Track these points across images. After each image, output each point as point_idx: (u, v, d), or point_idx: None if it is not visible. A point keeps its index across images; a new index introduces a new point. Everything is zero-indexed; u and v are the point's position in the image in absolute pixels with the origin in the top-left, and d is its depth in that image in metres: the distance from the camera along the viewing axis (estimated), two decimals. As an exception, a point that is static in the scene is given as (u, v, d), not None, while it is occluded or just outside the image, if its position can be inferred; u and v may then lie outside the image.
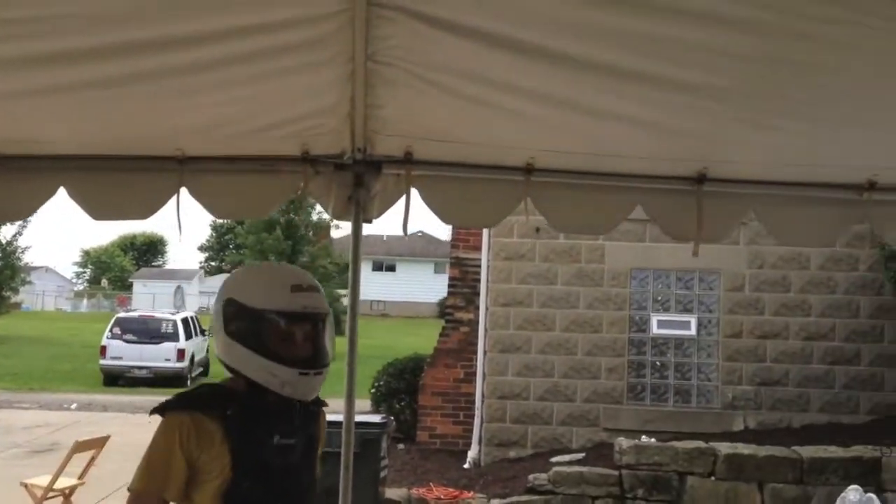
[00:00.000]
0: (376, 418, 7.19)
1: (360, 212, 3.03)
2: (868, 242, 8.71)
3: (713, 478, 7.70)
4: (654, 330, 9.20)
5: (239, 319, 2.41)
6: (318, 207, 30.87)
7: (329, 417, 2.77)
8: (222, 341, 2.45)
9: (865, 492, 6.96)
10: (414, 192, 3.02)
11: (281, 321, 2.40)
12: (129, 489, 2.41)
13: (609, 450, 8.24)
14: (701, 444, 7.93)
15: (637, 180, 3.04)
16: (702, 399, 9.21)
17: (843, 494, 7.06)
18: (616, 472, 7.80)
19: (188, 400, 2.45)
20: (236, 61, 2.41)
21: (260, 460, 2.40)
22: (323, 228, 33.64)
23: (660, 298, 9.31)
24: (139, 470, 2.41)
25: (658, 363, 9.25)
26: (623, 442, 7.98)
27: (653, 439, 8.19)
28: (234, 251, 53.58)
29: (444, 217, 3.31)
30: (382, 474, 6.93)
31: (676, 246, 8.42)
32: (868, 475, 7.43)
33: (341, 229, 40.84)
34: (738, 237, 8.83)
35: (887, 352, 9.08)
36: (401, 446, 10.01)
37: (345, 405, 3.18)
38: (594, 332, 9.22)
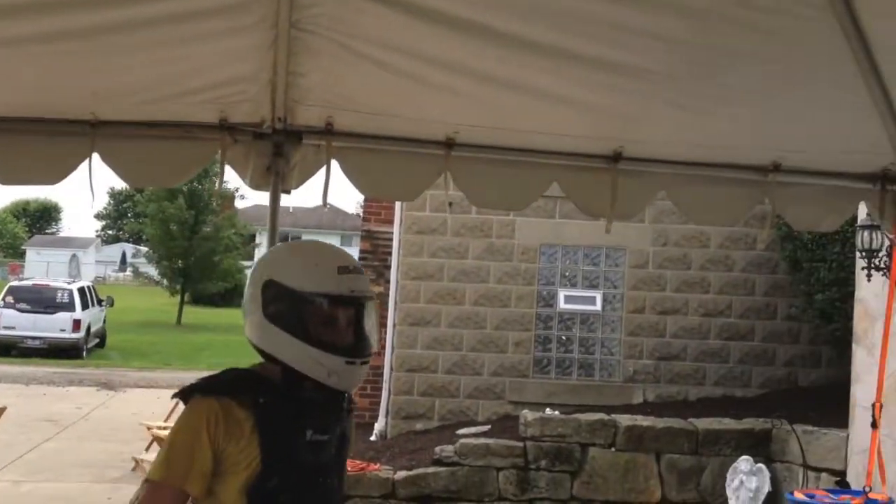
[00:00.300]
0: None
1: (279, 182, 2.99)
2: (766, 223, 9.01)
3: (613, 449, 7.94)
4: (561, 305, 9.38)
5: (280, 303, 2.22)
6: (226, 176, 30.32)
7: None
8: (258, 325, 2.26)
9: (756, 462, 7.30)
10: (334, 163, 2.99)
11: (328, 305, 2.23)
12: (146, 479, 2.22)
13: (514, 422, 8.39)
14: (603, 416, 8.16)
15: (555, 157, 3.08)
16: (604, 373, 9.45)
17: (734, 464, 7.39)
18: (521, 444, 7.95)
19: (217, 384, 2.25)
20: (156, 23, 2.35)
21: (291, 456, 2.21)
22: (227, 198, 33.01)
23: (567, 274, 9.49)
24: (159, 458, 2.20)
25: (564, 337, 9.45)
26: (528, 414, 8.14)
27: (556, 412, 8.37)
28: (132, 220, 52.12)
29: (364, 189, 3.31)
30: (290, 446, 6.90)
31: (585, 222, 8.60)
32: (758, 446, 7.78)
33: (246, 199, 40.16)
34: (644, 215, 9.05)
35: (779, 329, 9.48)
36: (307, 419, 9.98)
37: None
38: (503, 306, 9.34)
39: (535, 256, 9.37)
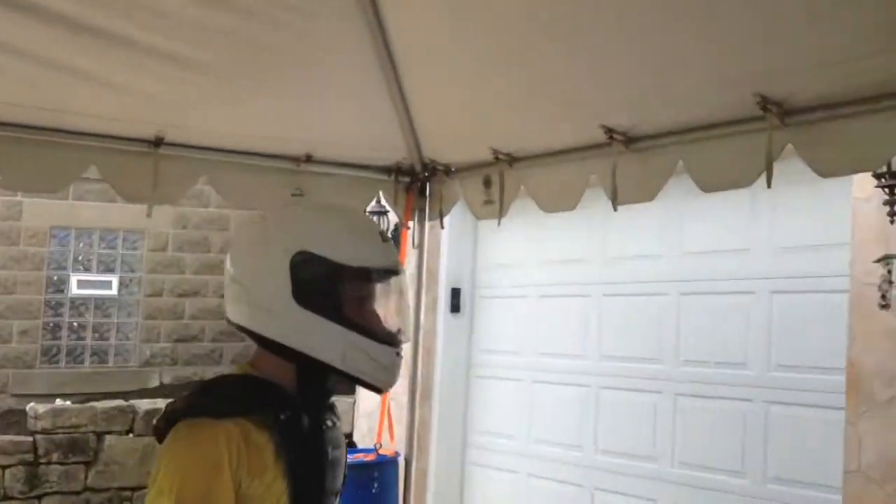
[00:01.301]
0: None
1: None
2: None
3: (132, 434, 7.78)
4: (74, 290, 8.87)
5: (322, 282, 1.65)
6: None
7: None
8: (280, 312, 1.66)
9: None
10: None
11: (380, 284, 1.73)
12: None
13: (21, 416, 7.80)
14: (121, 402, 7.94)
15: (93, 139, 3.00)
16: (119, 358, 9.17)
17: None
18: (30, 439, 7.42)
19: (230, 401, 1.62)
20: None
21: (321, 485, 1.68)
22: None
23: (80, 258, 9.00)
24: None
25: (76, 324, 8.95)
26: (38, 407, 7.62)
27: (69, 402, 7.96)
28: None
29: None
30: None
31: (101, 204, 8.28)
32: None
33: None
34: (164, 198, 8.96)
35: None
36: None
37: None
38: (8, 293, 8.57)
39: (44, 240, 8.73)
